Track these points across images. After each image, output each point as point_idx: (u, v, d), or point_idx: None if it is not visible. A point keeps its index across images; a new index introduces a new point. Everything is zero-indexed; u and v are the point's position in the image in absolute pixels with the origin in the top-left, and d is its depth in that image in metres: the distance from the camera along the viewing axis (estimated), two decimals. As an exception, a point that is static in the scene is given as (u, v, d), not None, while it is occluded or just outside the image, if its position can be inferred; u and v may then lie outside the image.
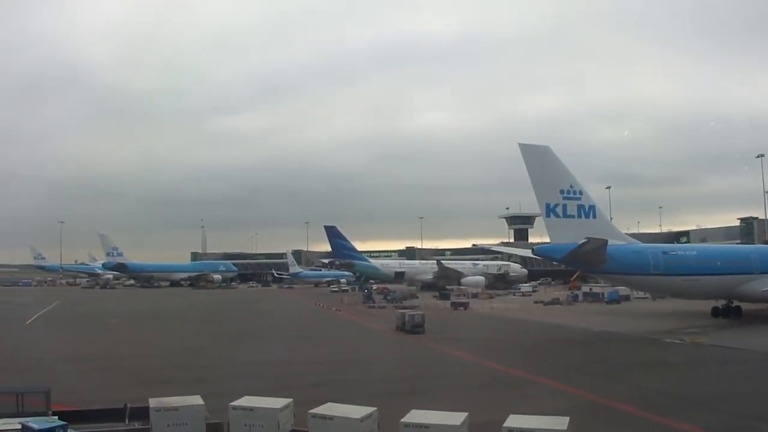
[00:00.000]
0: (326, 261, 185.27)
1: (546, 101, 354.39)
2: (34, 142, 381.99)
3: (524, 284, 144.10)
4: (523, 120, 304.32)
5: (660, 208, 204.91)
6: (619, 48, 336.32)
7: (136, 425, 23.07)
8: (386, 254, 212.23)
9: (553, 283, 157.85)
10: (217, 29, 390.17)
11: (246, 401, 23.42)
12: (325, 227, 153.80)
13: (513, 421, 20.14)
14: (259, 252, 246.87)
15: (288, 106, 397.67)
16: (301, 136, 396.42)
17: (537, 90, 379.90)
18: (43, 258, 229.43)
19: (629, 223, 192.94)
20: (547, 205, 63.05)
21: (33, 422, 20.10)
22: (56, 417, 21.57)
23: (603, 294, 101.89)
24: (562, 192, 63.07)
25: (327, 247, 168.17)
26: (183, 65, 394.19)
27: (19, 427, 20.15)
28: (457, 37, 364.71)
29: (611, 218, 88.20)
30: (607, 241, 59.91)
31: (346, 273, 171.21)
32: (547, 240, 68.95)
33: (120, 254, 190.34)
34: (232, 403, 23.08)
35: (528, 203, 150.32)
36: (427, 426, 20.20)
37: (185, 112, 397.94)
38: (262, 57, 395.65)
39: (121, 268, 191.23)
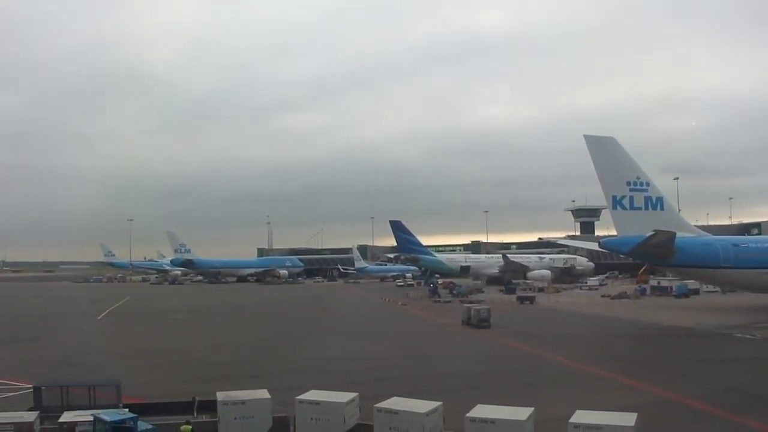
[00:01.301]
0: (391, 256, 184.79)
1: (611, 92, 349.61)
2: (103, 143, 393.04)
3: (591, 278, 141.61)
4: (587, 112, 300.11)
5: (730, 199, 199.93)
6: (685, 38, 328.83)
7: (204, 418, 23.53)
8: (451, 248, 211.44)
9: (620, 276, 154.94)
10: (278, 29, 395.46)
11: (312, 395, 23.67)
12: (390, 222, 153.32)
13: (579, 416, 19.95)
14: (324, 247, 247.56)
15: (350, 103, 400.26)
16: (364, 132, 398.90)
17: (600, 81, 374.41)
18: (113, 255, 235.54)
19: (698, 215, 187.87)
20: (614, 198, 62.19)
21: (105, 414, 20.76)
22: (127, 409, 22.20)
23: (671, 288, 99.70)
24: (628, 184, 62.11)
25: (392, 242, 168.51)
26: (246, 65, 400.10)
27: (92, 419, 20.82)
28: (516, 30, 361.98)
29: (679, 210, 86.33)
30: (675, 234, 58.74)
31: (412, 267, 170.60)
32: (614, 233, 67.90)
33: (187, 251, 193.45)
34: (299, 397, 23.36)
35: (594, 196, 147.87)
36: (492, 421, 20.13)
37: (250, 111, 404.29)
38: (323, 55, 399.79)
39: (188, 264, 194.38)
